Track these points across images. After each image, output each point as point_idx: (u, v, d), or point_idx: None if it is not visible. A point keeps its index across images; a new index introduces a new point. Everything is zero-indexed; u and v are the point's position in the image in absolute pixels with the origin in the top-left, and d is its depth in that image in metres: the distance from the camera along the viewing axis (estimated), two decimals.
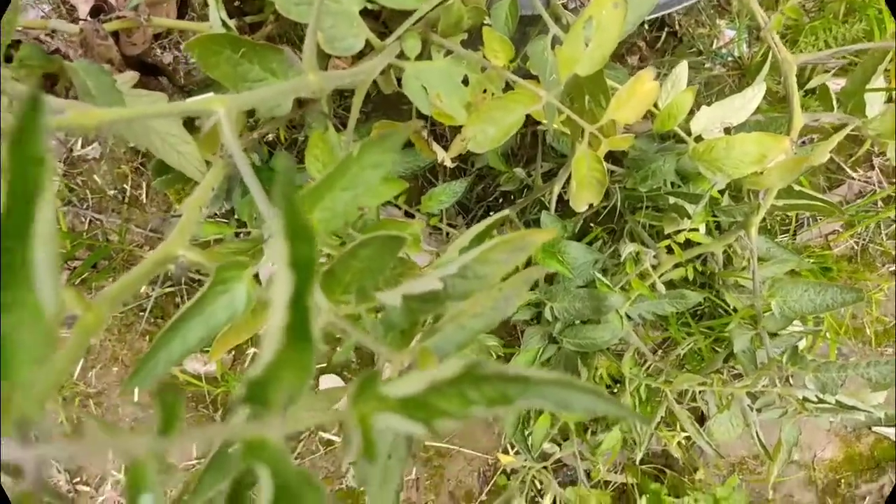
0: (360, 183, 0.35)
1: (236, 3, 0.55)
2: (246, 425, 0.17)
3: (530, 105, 0.55)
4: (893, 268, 1.27)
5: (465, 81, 0.58)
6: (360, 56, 0.54)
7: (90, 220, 1.12)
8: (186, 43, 0.41)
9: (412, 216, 1.13)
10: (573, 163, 0.59)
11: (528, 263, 1.00)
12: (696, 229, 0.86)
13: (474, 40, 0.61)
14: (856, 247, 1.27)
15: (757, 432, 0.85)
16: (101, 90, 0.46)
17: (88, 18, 0.67)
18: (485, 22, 0.62)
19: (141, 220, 1.11)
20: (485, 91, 0.58)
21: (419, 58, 0.54)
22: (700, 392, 0.92)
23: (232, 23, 0.53)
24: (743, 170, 0.71)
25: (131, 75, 0.53)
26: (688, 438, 0.98)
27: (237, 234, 0.91)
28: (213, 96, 0.38)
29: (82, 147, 1.16)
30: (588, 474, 1.09)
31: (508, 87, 0.63)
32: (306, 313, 0.17)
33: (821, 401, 0.82)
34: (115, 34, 0.60)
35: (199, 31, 0.53)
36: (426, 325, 0.43)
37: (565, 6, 0.70)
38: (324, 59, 0.56)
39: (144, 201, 1.13)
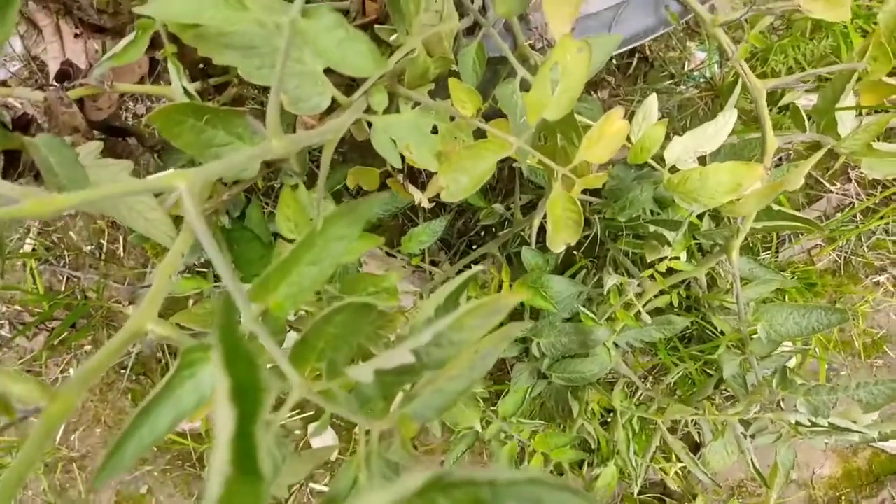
0: (325, 257, 0.34)
1: (200, 66, 0.54)
2: None
3: (501, 152, 0.54)
4: (877, 279, 1.27)
5: (435, 130, 0.58)
6: (328, 111, 0.54)
7: (67, 278, 1.10)
8: (148, 116, 0.41)
9: (394, 256, 1.12)
10: (548, 205, 0.59)
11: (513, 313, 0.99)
12: (677, 258, 0.85)
13: (442, 87, 0.61)
14: (839, 260, 1.28)
15: (752, 459, 0.84)
16: (63, 166, 0.45)
17: (54, 83, 0.67)
18: (452, 69, 0.62)
19: (119, 275, 1.10)
20: (455, 138, 0.57)
21: (387, 111, 0.54)
22: (693, 420, 0.91)
23: (196, 85, 0.53)
24: (718, 199, 0.71)
25: (95, 145, 0.52)
26: (685, 467, 0.97)
27: (217, 288, 0.90)
28: (174, 172, 0.37)
29: None
30: None
31: (480, 130, 0.63)
32: (252, 448, 0.16)
33: (814, 424, 0.81)
34: (81, 100, 0.60)
35: (165, 95, 0.52)
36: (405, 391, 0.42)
37: (532, 47, 0.71)
38: (291, 117, 0.56)
39: (122, 255, 1.11)
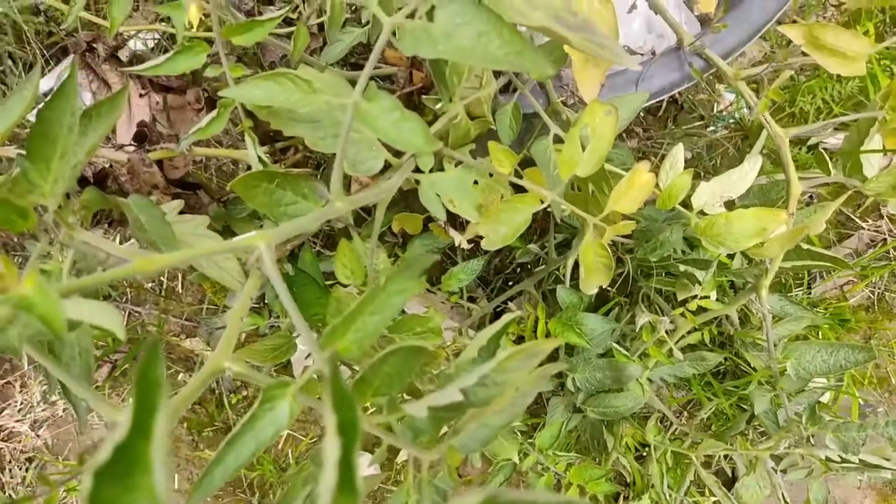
0: (386, 308, 0.40)
1: (269, 133, 0.61)
2: None
3: (536, 205, 0.60)
4: None
5: (476, 183, 0.63)
6: (381, 171, 0.60)
7: (129, 313, 1.18)
8: (231, 184, 0.47)
9: (434, 293, 1.18)
10: (580, 252, 0.64)
11: (547, 335, 1.04)
12: (707, 297, 0.89)
13: (482, 143, 0.66)
14: (872, 296, 1.29)
15: (783, 494, 0.86)
16: (152, 225, 0.51)
17: (133, 144, 0.75)
18: (491, 128, 0.67)
19: (177, 310, 1.17)
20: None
21: (432, 170, 0.60)
22: (726, 455, 0.94)
23: (265, 149, 0.59)
24: (744, 243, 0.74)
25: (177, 204, 0.59)
26: (718, 502, 0.99)
27: (270, 325, 0.96)
28: (256, 234, 0.43)
29: (121, 243, 1.23)
30: None
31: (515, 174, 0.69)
32: (353, 471, 0.22)
33: (844, 460, 0.83)
34: (160, 160, 0.67)
35: (241, 159, 0.59)
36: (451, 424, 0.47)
37: (564, 103, 0.76)
38: (347, 177, 0.62)
39: (180, 292, 1.19)
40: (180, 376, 1.17)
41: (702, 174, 1.29)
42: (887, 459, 0.85)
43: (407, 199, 1.07)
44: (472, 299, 1.20)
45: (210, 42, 0.53)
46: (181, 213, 0.65)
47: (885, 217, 1.33)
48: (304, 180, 0.52)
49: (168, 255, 0.40)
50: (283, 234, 0.45)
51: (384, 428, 0.44)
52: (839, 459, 0.84)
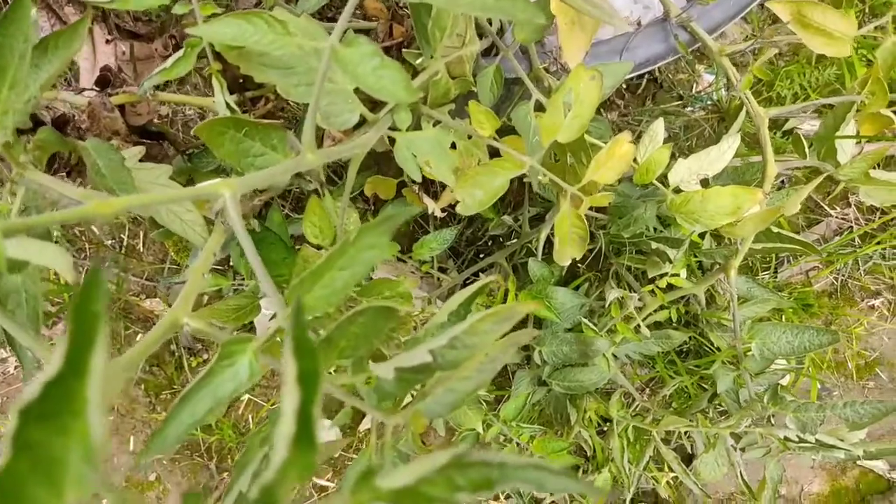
0: (357, 263, 0.38)
1: (239, 80, 0.58)
2: None
3: (515, 170, 0.58)
4: (872, 303, 1.30)
5: (454, 146, 0.62)
6: (355, 127, 0.58)
7: (87, 270, 1.14)
8: (195, 129, 0.44)
9: (404, 262, 1.16)
10: (556, 222, 0.63)
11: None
12: (677, 274, 0.89)
13: (461, 106, 0.64)
14: (835, 282, 1.31)
15: (741, 472, 0.87)
16: (111, 169, 0.49)
17: (95, 88, 0.71)
18: (471, 89, 0.65)
19: (138, 269, 1.14)
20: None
21: (409, 128, 0.57)
22: (686, 432, 0.95)
23: (234, 98, 0.56)
24: (718, 221, 0.74)
25: (137, 150, 0.56)
26: (676, 477, 1.00)
27: (234, 287, 0.94)
28: (220, 181, 0.41)
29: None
30: None
31: (495, 147, 0.67)
32: (311, 422, 0.20)
33: (801, 440, 0.84)
34: (122, 105, 0.64)
35: (207, 107, 0.56)
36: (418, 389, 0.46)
37: (546, 69, 0.74)
38: (319, 130, 0.59)
39: (141, 250, 1.15)
40: (139, 337, 1.14)
41: (677, 154, 1.28)
42: (841, 440, 0.87)
43: (380, 164, 1.05)
44: (442, 270, 1.18)
45: None
46: (143, 161, 0.62)
47: (853, 206, 1.35)
48: (273, 130, 0.50)
49: (124, 199, 0.38)
50: (249, 184, 0.43)
51: (348, 390, 0.42)
52: (797, 439, 0.85)
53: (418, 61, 0.56)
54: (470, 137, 0.60)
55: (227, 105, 0.52)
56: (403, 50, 0.57)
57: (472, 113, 0.56)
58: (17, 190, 0.43)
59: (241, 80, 0.58)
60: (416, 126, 0.60)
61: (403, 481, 0.23)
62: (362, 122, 0.57)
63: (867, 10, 1.42)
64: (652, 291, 0.94)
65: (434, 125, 0.58)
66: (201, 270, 0.50)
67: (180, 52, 0.51)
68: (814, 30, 0.71)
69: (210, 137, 0.46)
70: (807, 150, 0.95)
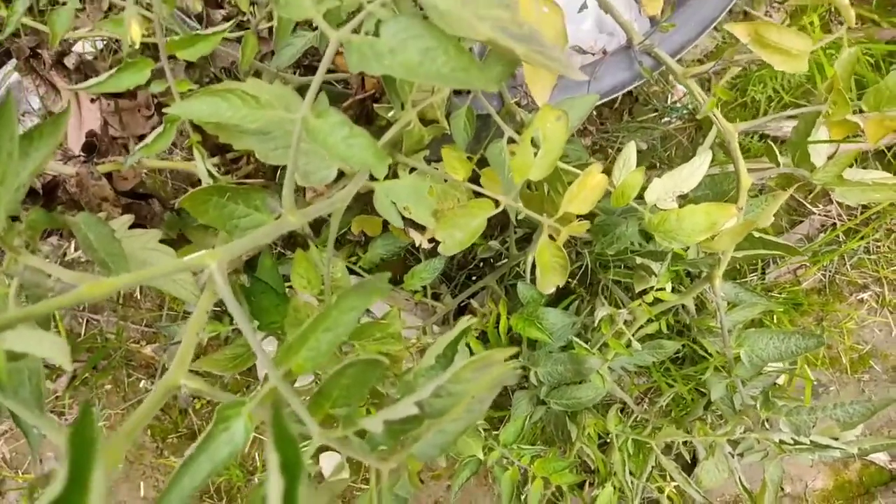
0: (339, 325, 0.40)
1: (219, 145, 0.60)
2: None
3: (491, 210, 0.60)
4: (861, 296, 1.32)
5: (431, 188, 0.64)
6: (335, 180, 0.60)
7: (87, 321, 1.16)
8: (180, 201, 0.47)
9: (397, 291, 1.18)
10: (536, 253, 0.65)
11: (510, 330, 1.05)
12: (662, 288, 0.91)
13: (437, 149, 0.67)
14: (824, 279, 1.33)
15: (739, 477, 0.89)
16: (101, 243, 0.51)
17: (82, 154, 0.73)
18: (445, 132, 0.68)
19: (137, 316, 1.16)
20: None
21: (387, 177, 0.60)
22: (684, 440, 0.96)
23: (215, 160, 0.59)
24: (695, 238, 0.76)
25: (126, 219, 0.58)
26: (678, 486, 1.02)
27: (232, 330, 0.96)
28: (205, 253, 0.43)
29: (75, 250, 1.20)
30: None
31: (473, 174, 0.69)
32: None
33: (796, 442, 0.86)
34: (108, 173, 0.66)
35: (189, 171, 0.58)
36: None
37: (518, 104, 0.77)
38: (301, 189, 0.62)
39: (139, 298, 1.17)
40: (142, 383, 1.16)
41: (657, 165, 1.31)
42: (835, 439, 0.89)
43: (364, 201, 1.07)
44: (435, 296, 1.20)
45: (157, 55, 0.53)
46: (133, 225, 0.64)
47: (835, 203, 1.37)
48: (255, 192, 0.52)
49: (116, 279, 0.40)
50: (233, 251, 0.45)
51: (342, 443, 0.44)
52: (792, 442, 0.87)
53: (390, 114, 0.59)
54: (446, 181, 0.62)
55: (209, 172, 0.54)
56: (375, 105, 0.59)
57: (445, 159, 0.58)
58: (12, 275, 0.45)
59: (220, 145, 0.61)
60: (394, 175, 0.62)
61: None
62: (342, 175, 0.59)
63: (833, 11, 1.45)
64: (640, 305, 0.96)
65: (410, 172, 0.61)
66: (195, 330, 0.52)
67: (160, 129, 0.53)
68: (772, 49, 0.73)
69: (194, 207, 0.49)
70: (779, 156, 0.97)
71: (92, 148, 0.72)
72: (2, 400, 0.41)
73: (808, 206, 1.36)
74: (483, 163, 0.72)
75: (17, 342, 0.33)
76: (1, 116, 0.39)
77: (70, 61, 0.84)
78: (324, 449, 1.12)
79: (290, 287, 0.78)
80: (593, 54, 0.79)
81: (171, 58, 0.51)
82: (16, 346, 0.34)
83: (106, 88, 0.51)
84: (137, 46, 0.48)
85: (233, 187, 0.51)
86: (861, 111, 0.82)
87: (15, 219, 0.54)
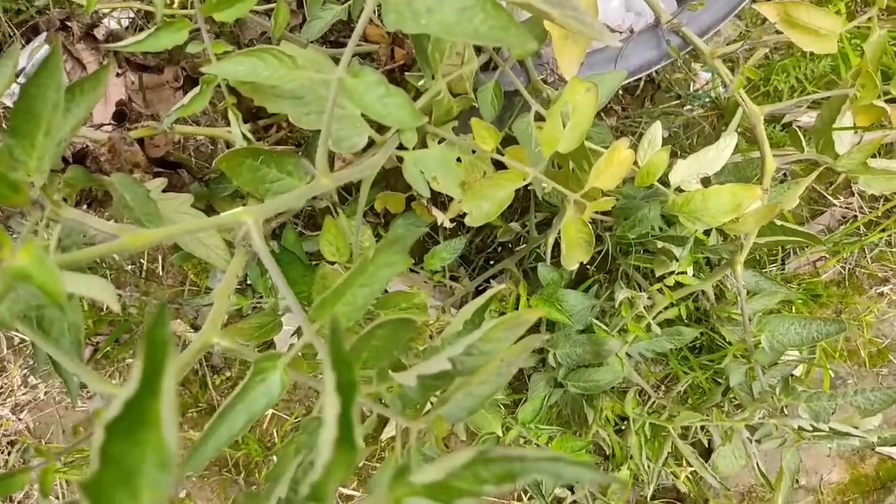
0: (375, 280, 0.41)
1: (252, 111, 0.61)
2: None
3: (519, 181, 0.61)
4: (881, 289, 1.32)
5: (459, 160, 0.64)
6: (364, 148, 0.60)
7: None
8: (217, 160, 0.47)
9: (417, 272, 1.18)
10: (562, 228, 0.65)
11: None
12: (683, 272, 0.91)
13: (464, 120, 0.67)
14: (843, 271, 1.32)
15: (757, 463, 0.89)
16: (137, 202, 0.51)
17: (112, 123, 0.74)
18: (473, 105, 0.68)
19: (159, 292, 1.17)
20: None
21: (416, 147, 0.60)
22: (703, 426, 0.96)
23: (248, 126, 0.59)
24: (720, 219, 0.76)
25: (160, 182, 0.59)
26: (696, 472, 1.02)
27: (253, 306, 0.97)
28: (242, 209, 0.43)
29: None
30: None
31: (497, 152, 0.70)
32: (351, 427, 0.22)
33: (815, 429, 0.86)
34: (140, 139, 0.67)
35: (224, 137, 0.59)
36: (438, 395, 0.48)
37: (544, 80, 0.77)
38: (331, 154, 0.62)
39: (161, 274, 1.18)
40: None
41: (678, 153, 1.30)
42: (855, 427, 0.89)
43: (388, 179, 1.07)
44: (454, 278, 1.21)
45: (191, 18, 0.53)
46: (164, 191, 0.64)
47: (857, 194, 1.36)
48: (288, 157, 0.52)
49: (156, 231, 0.40)
50: (270, 210, 0.46)
51: (374, 399, 0.45)
52: (811, 429, 0.87)
53: (420, 83, 0.59)
54: (474, 152, 0.63)
55: (244, 136, 0.54)
56: (406, 74, 0.59)
57: (474, 129, 0.58)
58: (53, 227, 0.46)
59: (253, 111, 0.61)
60: (423, 144, 0.63)
61: (434, 476, 0.25)
62: (371, 144, 0.59)
63: (859, 0, 1.44)
64: (660, 290, 0.96)
65: (439, 142, 0.61)
66: (227, 292, 0.53)
67: (196, 90, 0.54)
68: (801, 28, 0.73)
69: (230, 168, 0.49)
70: (804, 143, 0.97)
71: (122, 116, 0.73)
72: (44, 346, 0.42)
73: (829, 197, 1.35)
74: (507, 142, 0.72)
75: (67, 284, 0.34)
76: (47, 66, 0.39)
77: (99, 33, 0.85)
78: None
79: (316, 263, 0.79)
80: (620, 33, 0.79)
81: (209, 20, 0.51)
82: (67, 288, 0.34)
83: (145, 47, 0.51)
84: (174, 5, 0.48)
85: (266, 151, 0.51)
86: (888, 97, 0.81)
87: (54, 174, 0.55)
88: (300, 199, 0.49)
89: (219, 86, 0.55)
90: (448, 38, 0.46)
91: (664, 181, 0.85)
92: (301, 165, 0.52)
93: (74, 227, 0.44)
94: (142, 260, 1.19)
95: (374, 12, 0.44)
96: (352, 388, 0.23)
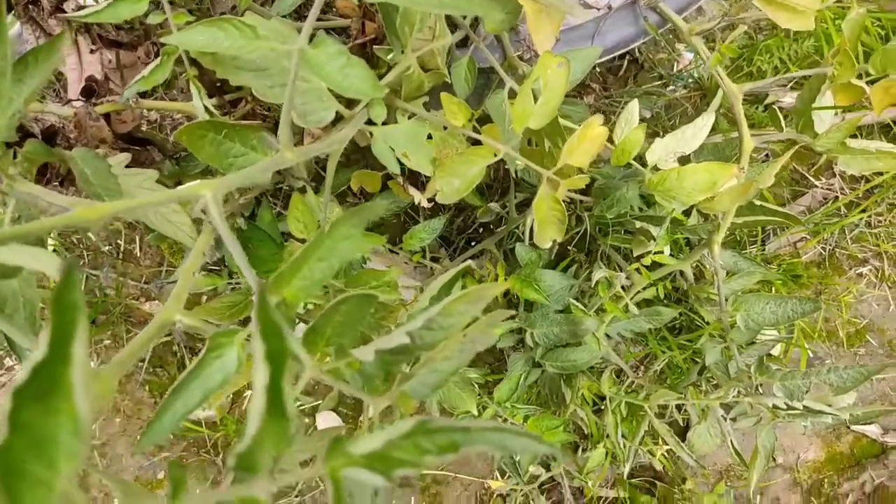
0: (333, 254, 0.40)
1: (217, 84, 0.60)
2: (238, 487, 0.21)
3: (490, 158, 0.60)
4: (860, 270, 1.32)
5: (430, 137, 0.63)
6: (332, 123, 0.59)
7: (87, 277, 1.16)
8: (175, 133, 0.46)
9: (396, 253, 1.18)
10: (534, 204, 0.64)
11: (507, 293, 1.05)
12: (660, 251, 0.91)
13: (437, 97, 0.66)
14: (823, 252, 1.33)
15: (731, 441, 0.89)
16: (97, 176, 0.50)
17: (81, 98, 0.73)
18: (446, 80, 0.67)
19: (136, 273, 1.16)
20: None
21: (386, 122, 0.59)
22: (680, 405, 0.97)
23: (213, 101, 0.58)
24: (695, 197, 0.76)
25: (123, 157, 0.58)
26: (673, 451, 1.03)
27: (230, 287, 0.96)
28: (200, 183, 0.42)
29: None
30: (581, 491, 1.13)
31: (473, 129, 0.69)
32: (281, 395, 0.22)
33: (790, 407, 0.86)
34: (107, 114, 0.65)
35: (187, 111, 0.58)
36: (403, 371, 0.48)
37: (521, 57, 0.76)
38: (299, 128, 0.61)
39: (138, 255, 1.17)
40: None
41: (661, 133, 1.30)
42: (829, 405, 0.89)
43: (367, 157, 1.06)
44: (435, 259, 1.20)
45: None
46: (130, 167, 0.63)
47: (838, 176, 1.36)
48: (252, 131, 0.52)
49: (110, 204, 0.40)
50: (229, 184, 0.45)
51: (335, 375, 0.44)
52: (785, 407, 0.87)
53: (389, 56, 0.58)
54: (445, 128, 0.62)
55: (206, 109, 0.53)
56: (375, 47, 0.58)
57: (444, 104, 0.58)
58: (8, 201, 0.45)
59: (218, 84, 0.60)
60: (393, 120, 0.62)
61: (373, 446, 0.25)
62: (339, 119, 0.59)
63: None
64: (638, 270, 0.96)
65: (409, 118, 0.60)
66: (191, 269, 0.52)
67: (157, 61, 0.53)
68: (777, 5, 0.72)
69: (190, 141, 0.48)
70: (783, 123, 0.96)
71: (91, 92, 0.71)
72: None
73: (810, 178, 1.35)
74: (485, 121, 0.71)
75: (9, 256, 0.33)
76: None
77: (69, 7, 0.83)
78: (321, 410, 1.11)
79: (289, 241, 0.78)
80: (598, 9, 0.78)
81: None
82: (10, 260, 0.34)
83: (104, 17, 0.50)
84: None
85: (230, 124, 0.50)
86: (867, 77, 0.81)
87: (10, 147, 0.54)
88: (264, 173, 0.48)
89: (183, 59, 0.54)
90: (414, 8, 0.45)
91: (641, 160, 0.84)
92: (265, 140, 0.51)
93: (29, 200, 0.43)
94: (119, 241, 1.18)
95: None
96: (282, 357, 0.22)
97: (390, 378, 0.49)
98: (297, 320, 0.76)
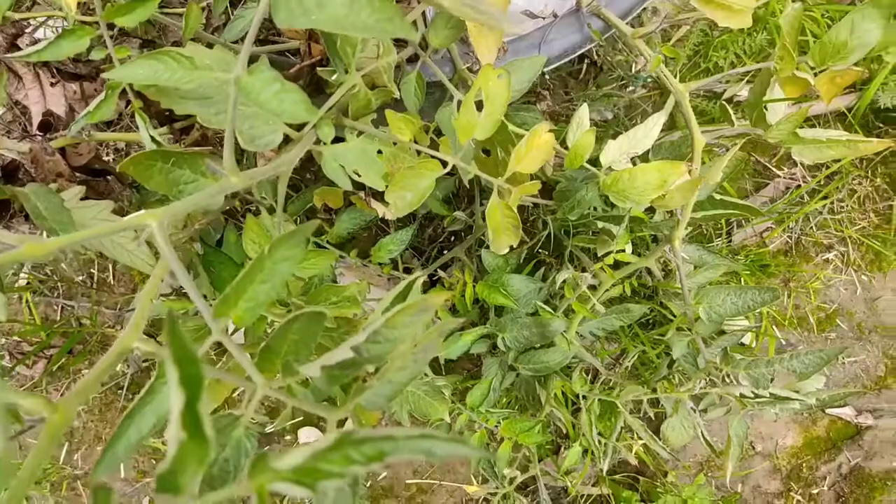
0: (275, 275, 0.41)
1: (166, 113, 0.61)
2: None
3: (439, 170, 0.62)
4: (826, 256, 1.35)
5: (381, 153, 0.65)
6: (284, 144, 0.61)
7: (62, 307, 1.16)
8: (121, 165, 0.47)
9: (368, 266, 1.19)
10: (487, 213, 0.66)
11: (477, 300, 1.06)
12: (622, 250, 0.93)
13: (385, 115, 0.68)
14: (790, 241, 1.35)
15: (702, 432, 0.91)
16: (50, 211, 0.51)
17: (38, 133, 0.74)
18: (395, 97, 0.69)
19: (110, 301, 1.16)
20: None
21: (335, 140, 0.61)
22: (656, 400, 0.98)
23: (164, 130, 0.59)
24: (648, 196, 0.78)
25: (78, 190, 0.59)
26: (645, 444, 1.04)
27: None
28: (145, 213, 0.44)
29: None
30: (565, 490, 1.14)
31: (432, 143, 0.70)
32: (199, 420, 0.23)
33: (757, 395, 0.88)
34: (63, 148, 0.66)
35: (137, 142, 0.59)
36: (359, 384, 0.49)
37: (471, 69, 0.78)
38: (252, 153, 0.62)
39: (112, 283, 1.18)
40: (118, 366, 1.16)
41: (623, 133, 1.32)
42: (797, 391, 0.91)
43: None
44: (408, 270, 1.21)
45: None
46: (91, 199, 0.64)
47: (799, 165, 1.39)
48: (201, 157, 0.53)
49: (56, 239, 0.41)
50: (175, 211, 0.46)
51: (288, 393, 0.46)
52: (752, 395, 0.89)
53: (333, 77, 0.59)
54: (395, 144, 0.63)
55: (153, 139, 0.55)
56: (318, 68, 0.60)
57: (389, 121, 0.59)
58: None
59: (167, 113, 0.61)
60: (342, 139, 0.63)
61: (298, 460, 0.26)
62: (288, 140, 0.60)
63: None
64: (602, 269, 0.98)
65: (358, 136, 0.61)
66: (149, 296, 0.53)
67: (102, 96, 0.54)
68: (715, 4, 0.74)
69: (138, 171, 0.49)
70: (733, 117, 0.99)
71: (48, 126, 0.72)
72: None
73: (773, 169, 1.38)
74: (440, 134, 0.73)
75: None
76: None
77: (24, 42, 0.84)
78: (303, 424, 1.12)
79: None
80: (544, 18, 0.80)
81: (113, 27, 0.51)
82: None
83: (46, 56, 0.51)
84: (74, 12, 0.48)
85: (178, 152, 0.52)
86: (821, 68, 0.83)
87: None
88: (209, 199, 0.49)
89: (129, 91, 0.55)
90: (338, 32, 0.46)
91: (596, 163, 0.86)
92: (210, 167, 0.52)
93: None
94: (92, 270, 1.18)
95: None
96: (197, 382, 0.23)
97: (349, 391, 0.50)
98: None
